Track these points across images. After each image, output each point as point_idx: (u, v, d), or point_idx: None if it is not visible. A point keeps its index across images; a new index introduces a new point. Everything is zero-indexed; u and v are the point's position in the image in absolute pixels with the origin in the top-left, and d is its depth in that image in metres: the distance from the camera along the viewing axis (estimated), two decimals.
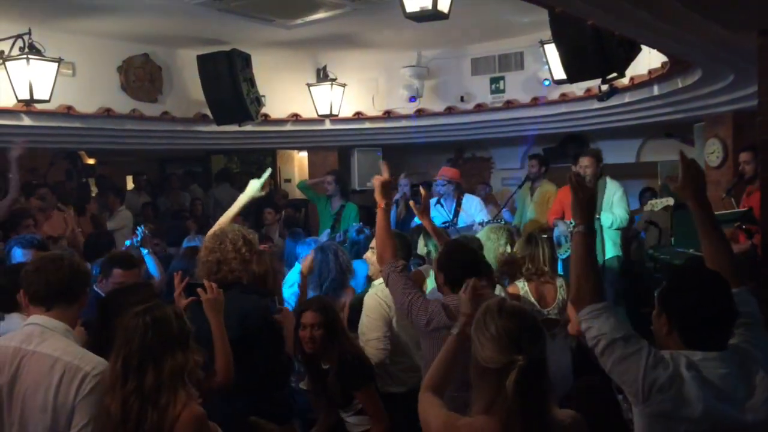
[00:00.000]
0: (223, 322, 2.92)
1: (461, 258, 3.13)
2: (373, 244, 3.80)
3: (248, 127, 7.45)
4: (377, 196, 3.26)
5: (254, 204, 8.47)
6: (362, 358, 3.23)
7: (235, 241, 3.18)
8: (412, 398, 3.31)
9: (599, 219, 5.86)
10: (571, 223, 6.00)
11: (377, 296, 3.69)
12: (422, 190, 3.93)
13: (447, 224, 6.15)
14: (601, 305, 2.15)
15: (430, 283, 4.17)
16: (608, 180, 5.95)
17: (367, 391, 3.13)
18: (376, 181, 3.26)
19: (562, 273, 5.81)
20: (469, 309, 2.48)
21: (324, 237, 6.44)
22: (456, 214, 6.38)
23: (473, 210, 6.39)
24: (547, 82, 7.02)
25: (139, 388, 2.20)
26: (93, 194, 9.44)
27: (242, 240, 3.21)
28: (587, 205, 2.30)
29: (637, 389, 2.02)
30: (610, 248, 5.92)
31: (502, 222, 6.08)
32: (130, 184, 11.12)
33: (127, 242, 5.09)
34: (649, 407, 2.02)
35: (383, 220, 3.23)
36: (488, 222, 5.91)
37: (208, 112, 7.13)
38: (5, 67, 5.61)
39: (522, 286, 3.99)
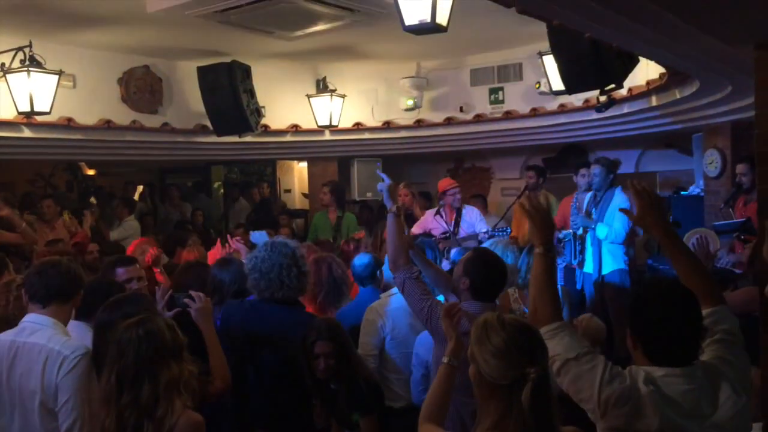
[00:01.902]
0: (215, 331, 2.94)
1: (493, 268, 3.09)
2: None
3: (248, 138, 7.47)
4: (386, 200, 3.28)
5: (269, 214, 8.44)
6: (372, 384, 3.18)
7: (302, 255, 3.29)
8: (411, 413, 3.35)
9: (594, 230, 5.86)
10: (568, 232, 6.01)
11: (377, 311, 3.70)
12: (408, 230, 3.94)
13: (447, 234, 6.16)
14: (556, 325, 2.14)
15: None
16: (617, 192, 5.94)
17: (369, 420, 3.09)
18: (382, 187, 3.29)
19: (562, 283, 5.83)
20: (454, 335, 2.44)
21: None
22: (456, 224, 6.39)
23: (474, 221, 6.40)
24: (538, 86, 7.02)
25: (135, 401, 2.22)
26: (92, 205, 9.45)
27: (300, 254, 3.32)
28: (543, 226, 2.31)
29: (594, 405, 2.01)
30: (609, 262, 5.86)
31: (509, 231, 6.09)
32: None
33: None
34: (606, 422, 2.01)
35: (394, 225, 3.23)
36: (492, 232, 5.94)
37: (208, 123, 7.15)
38: (6, 80, 5.64)
39: (512, 292, 4.00)
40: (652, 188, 2.51)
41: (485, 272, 3.06)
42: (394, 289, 3.79)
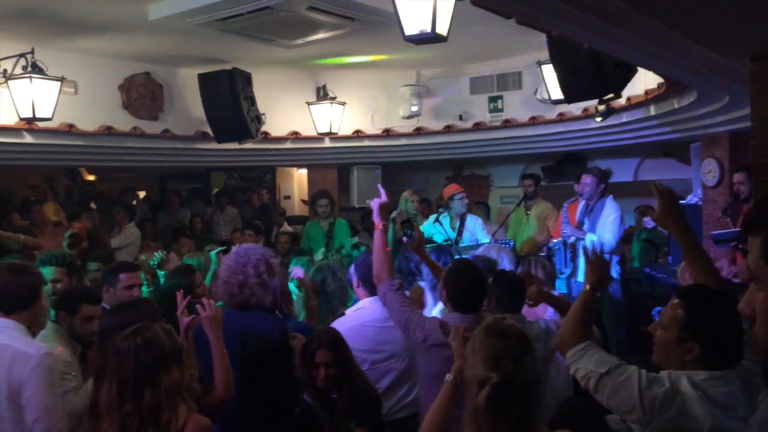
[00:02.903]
0: (222, 339, 2.93)
1: (465, 277, 3.12)
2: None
3: (248, 145, 7.50)
4: (375, 217, 3.33)
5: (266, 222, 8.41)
6: (372, 396, 3.17)
7: (258, 265, 3.18)
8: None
9: (584, 240, 5.91)
10: (558, 241, 6.04)
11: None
12: (416, 225, 3.89)
13: (449, 242, 6.17)
14: (583, 345, 2.19)
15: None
16: (608, 201, 5.96)
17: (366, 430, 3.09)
18: (374, 204, 3.33)
19: (565, 291, 5.85)
20: (462, 356, 2.49)
21: (318, 256, 6.48)
22: (460, 233, 6.41)
23: (476, 229, 6.43)
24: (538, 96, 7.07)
25: (136, 409, 2.23)
26: (92, 210, 9.44)
27: (264, 265, 3.21)
28: (599, 273, 2.42)
29: (639, 414, 2.01)
30: None
31: (512, 244, 6.12)
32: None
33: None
34: (654, 428, 2.01)
35: (381, 241, 3.29)
36: (497, 242, 5.99)
37: (209, 130, 7.18)
38: (8, 86, 5.66)
39: None
40: (651, 196, 2.58)
41: (460, 283, 3.11)
42: (349, 308, 3.84)
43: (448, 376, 2.45)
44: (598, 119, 6.35)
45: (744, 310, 1.05)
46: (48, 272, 3.88)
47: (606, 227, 5.82)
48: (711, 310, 2.09)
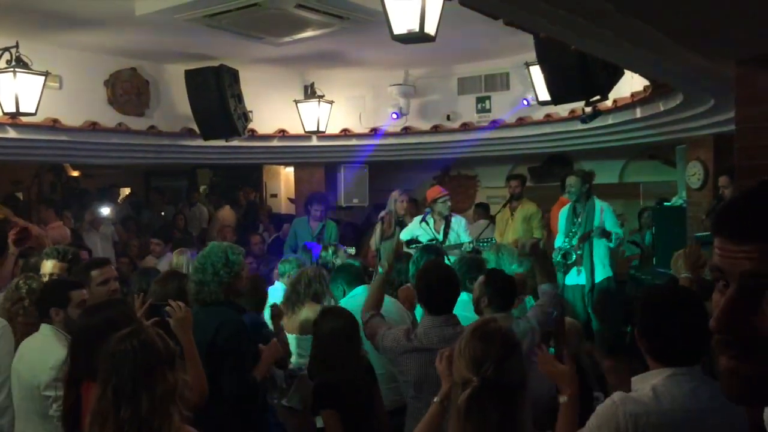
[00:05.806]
0: (194, 340, 2.90)
1: (432, 279, 3.13)
2: None
3: (235, 142, 7.45)
4: (384, 263, 3.44)
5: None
6: (337, 385, 3.18)
7: (216, 263, 3.20)
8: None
9: (592, 240, 5.98)
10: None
11: None
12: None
13: (435, 242, 6.18)
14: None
15: None
16: (596, 201, 6.05)
17: (329, 416, 3.11)
18: (389, 259, 3.44)
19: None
20: (449, 378, 2.53)
21: (315, 254, 6.47)
22: (446, 234, 6.42)
23: (461, 230, 6.45)
24: (526, 102, 7.11)
25: (135, 415, 2.13)
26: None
27: (222, 262, 3.21)
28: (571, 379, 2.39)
29: None
30: (600, 271, 6.00)
31: (494, 241, 6.16)
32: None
33: None
34: None
35: (382, 281, 3.41)
36: (477, 244, 6.00)
37: (195, 127, 7.13)
38: None
39: None
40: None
41: (428, 285, 3.13)
42: None
43: (436, 399, 2.45)
44: (585, 121, 6.38)
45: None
46: (49, 266, 3.84)
47: (612, 224, 5.98)
48: (653, 303, 2.13)
